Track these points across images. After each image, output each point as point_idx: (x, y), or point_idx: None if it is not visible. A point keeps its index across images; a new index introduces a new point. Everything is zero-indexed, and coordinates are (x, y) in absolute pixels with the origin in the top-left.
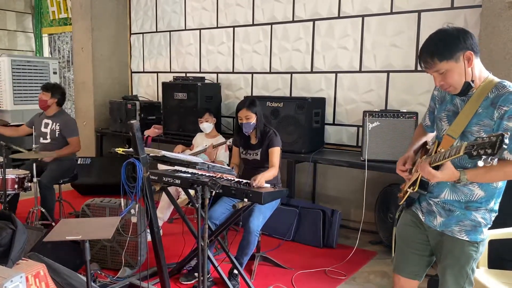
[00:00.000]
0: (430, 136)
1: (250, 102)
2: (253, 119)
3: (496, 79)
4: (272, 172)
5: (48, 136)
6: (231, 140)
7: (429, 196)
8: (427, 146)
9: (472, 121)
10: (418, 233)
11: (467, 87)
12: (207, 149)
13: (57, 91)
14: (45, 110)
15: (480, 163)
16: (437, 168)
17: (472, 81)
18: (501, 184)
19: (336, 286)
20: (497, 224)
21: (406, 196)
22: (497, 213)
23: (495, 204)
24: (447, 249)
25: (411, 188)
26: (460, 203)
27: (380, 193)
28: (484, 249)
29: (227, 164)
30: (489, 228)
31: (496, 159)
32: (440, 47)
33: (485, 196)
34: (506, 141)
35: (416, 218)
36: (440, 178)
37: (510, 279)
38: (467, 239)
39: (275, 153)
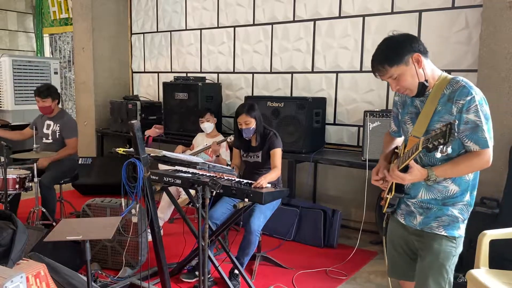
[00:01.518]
0: (398, 141)
1: (249, 107)
2: (252, 124)
3: (450, 76)
4: (275, 173)
5: (50, 137)
6: (231, 137)
7: (407, 197)
8: (396, 151)
9: (433, 119)
10: (405, 236)
11: (422, 88)
12: (211, 147)
13: (54, 93)
14: (49, 114)
15: (438, 155)
16: (407, 169)
17: (426, 81)
18: (472, 176)
19: (336, 286)
20: (498, 224)
21: (387, 203)
22: (472, 207)
23: (470, 198)
24: (426, 246)
25: (389, 194)
26: (437, 200)
27: (380, 193)
28: (461, 249)
29: (228, 164)
30: (488, 226)
31: (449, 148)
32: (389, 53)
33: (460, 190)
34: (456, 128)
35: (398, 223)
36: (410, 179)
37: (511, 279)
38: (445, 233)
39: (277, 154)
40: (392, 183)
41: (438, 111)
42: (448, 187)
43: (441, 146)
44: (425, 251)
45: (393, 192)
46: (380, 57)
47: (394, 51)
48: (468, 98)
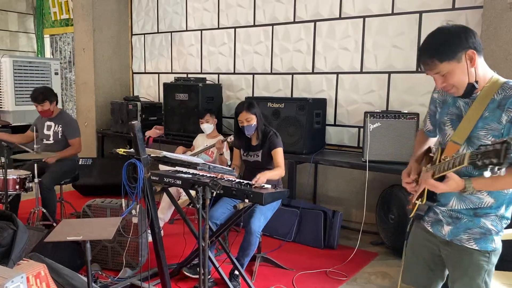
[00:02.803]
0: (432, 142)
1: (248, 104)
2: (253, 121)
3: (502, 79)
4: (278, 172)
5: (51, 138)
6: (231, 137)
7: (435, 205)
8: (430, 154)
9: (478, 125)
10: (430, 244)
11: (471, 89)
12: (216, 145)
13: (50, 95)
14: (49, 116)
15: (487, 174)
16: (442, 178)
17: (476, 82)
18: (511, 190)
19: (337, 287)
20: None
21: (415, 209)
22: (509, 220)
23: (506, 211)
24: (456, 259)
25: (419, 200)
26: (468, 210)
27: (381, 194)
28: (496, 260)
29: (228, 165)
30: None
31: (503, 169)
32: (440, 47)
33: (496, 203)
34: None
35: (425, 230)
36: (444, 189)
37: (511, 280)
38: (476, 248)
39: (279, 153)
40: (424, 189)
41: (485, 117)
42: (483, 199)
43: (494, 167)
44: (454, 264)
45: (424, 200)
46: (430, 50)
47: (447, 45)
48: None
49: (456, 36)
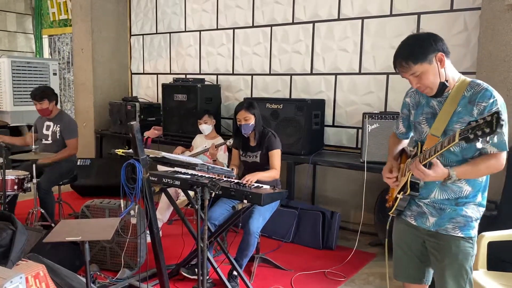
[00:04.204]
0: (405, 143)
1: (248, 103)
2: (252, 120)
3: (468, 79)
4: (272, 173)
5: (50, 138)
6: (231, 140)
7: (418, 198)
8: (408, 152)
9: (452, 120)
10: (415, 237)
11: (442, 87)
12: (210, 149)
13: (50, 94)
14: (48, 116)
15: (479, 145)
16: (427, 166)
17: (446, 81)
18: (485, 178)
19: (335, 287)
20: (496, 226)
21: (397, 203)
22: (484, 208)
23: (482, 199)
24: (444, 249)
25: (401, 193)
26: (450, 200)
27: (379, 194)
28: (476, 248)
29: (226, 166)
30: (486, 228)
31: (495, 137)
32: (414, 50)
33: (473, 191)
34: (502, 117)
35: (408, 225)
36: (432, 177)
37: (509, 281)
38: (461, 235)
39: (276, 155)
40: (406, 182)
41: (458, 112)
42: (462, 187)
43: (486, 136)
44: (442, 253)
45: (408, 191)
46: (404, 53)
47: (419, 48)
48: (491, 101)
49: (426, 41)
